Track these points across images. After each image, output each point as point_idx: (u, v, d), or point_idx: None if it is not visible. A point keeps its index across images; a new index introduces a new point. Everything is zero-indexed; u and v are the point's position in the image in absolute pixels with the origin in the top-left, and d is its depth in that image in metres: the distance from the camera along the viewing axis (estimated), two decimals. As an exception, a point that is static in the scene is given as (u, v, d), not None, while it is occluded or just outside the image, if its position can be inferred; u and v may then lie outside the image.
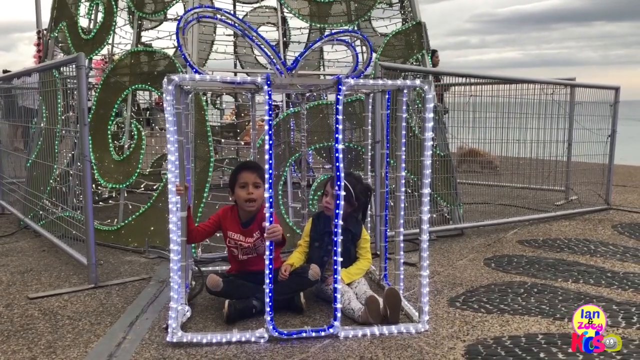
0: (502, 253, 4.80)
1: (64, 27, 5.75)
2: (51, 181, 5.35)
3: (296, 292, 3.40)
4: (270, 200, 2.94)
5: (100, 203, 6.29)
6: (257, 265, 3.42)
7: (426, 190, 3.14)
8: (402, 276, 3.57)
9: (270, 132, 2.90)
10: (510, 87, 6.45)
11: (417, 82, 3.11)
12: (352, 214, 3.78)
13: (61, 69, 4.77)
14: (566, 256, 4.67)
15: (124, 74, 5.09)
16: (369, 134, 4.12)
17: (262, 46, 3.34)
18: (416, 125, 5.24)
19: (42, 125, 5.61)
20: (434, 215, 5.36)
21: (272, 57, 3.31)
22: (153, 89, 5.14)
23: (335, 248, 3.02)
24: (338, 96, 2.95)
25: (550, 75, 7.57)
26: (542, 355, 2.81)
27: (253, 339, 2.97)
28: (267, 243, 2.96)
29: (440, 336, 3.06)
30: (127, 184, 5.03)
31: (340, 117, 2.95)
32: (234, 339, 2.96)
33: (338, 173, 2.97)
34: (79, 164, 5.71)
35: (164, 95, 2.85)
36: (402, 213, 3.53)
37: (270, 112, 2.91)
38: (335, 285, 3.01)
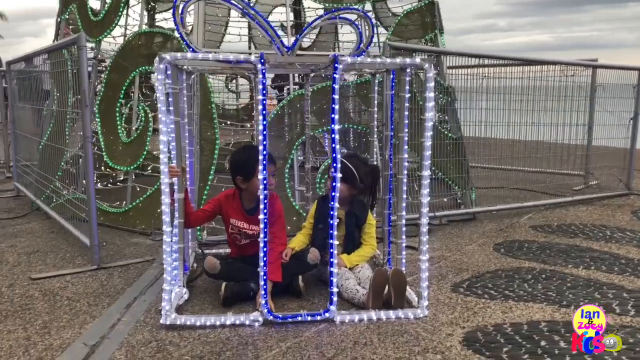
0: (513, 238, 4.68)
1: (74, 9, 5.74)
2: (62, 163, 5.37)
3: (295, 275, 3.35)
4: (265, 182, 2.87)
5: (109, 185, 6.29)
6: (256, 248, 3.36)
7: (426, 173, 3.04)
8: (404, 260, 3.49)
9: (264, 112, 2.83)
10: (530, 68, 6.28)
11: (418, 60, 2.99)
12: (358, 198, 3.71)
13: (72, 49, 4.76)
14: (579, 242, 4.53)
15: (131, 55, 5.06)
16: (375, 115, 4.02)
17: (262, 25, 3.27)
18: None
19: (53, 107, 5.62)
20: (445, 200, 5.25)
21: (272, 36, 3.24)
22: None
23: (331, 231, 2.94)
24: (334, 75, 2.86)
25: (581, 58, 7.30)
26: (542, 343, 2.72)
27: (247, 322, 2.93)
28: (262, 225, 2.91)
29: (439, 322, 2.98)
30: (135, 166, 5.01)
31: (336, 96, 2.86)
32: (228, 322, 2.93)
33: (334, 155, 2.89)
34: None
35: (156, 74, 2.79)
36: (405, 196, 3.43)
37: (264, 92, 2.84)
38: (331, 269, 2.94)
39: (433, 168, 5.24)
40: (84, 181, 5.60)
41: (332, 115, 2.88)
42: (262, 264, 2.92)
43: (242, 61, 2.91)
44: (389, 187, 3.77)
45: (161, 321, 2.92)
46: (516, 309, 3.16)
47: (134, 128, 5.29)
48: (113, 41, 6.02)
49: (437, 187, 5.26)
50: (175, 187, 3.24)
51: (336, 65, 2.86)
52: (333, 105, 2.87)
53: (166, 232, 2.93)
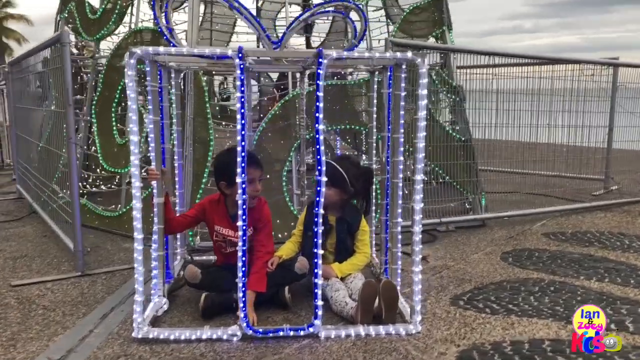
0: (523, 246, 4.40)
1: (72, 7, 5.62)
2: (60, 165, 5.24)
3: (281, 285, 3.13)
4: (243, 187, 2.67)
5: (103, 188, 6.14)
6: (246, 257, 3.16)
7: (419, 177, 2.80)
8: (399, 270, 3.26)
9: (242, 110, 2.63)
10: (547, 68, 5.99)
11: (409, 54, 2.76)
12: (349, 202, 3.48)
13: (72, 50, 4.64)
14: (594, 251, 4.24)
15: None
16: (375, 115, 3.81)
17: (248, 19, 3.08)
18: (433, 105, 4.88)
19: (52, 107, 5.51)
20: (452, 205, 5.00)
21: (257, 29, 3.05)
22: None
23: (315, 239, 2.72)
24: (318, 71, 2.64)
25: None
26: (544, 365, 2.47)
27: (225, 337, 2.73)
28: (240, 233, 2.70)
29: (433, 339, 2.74)
30: (129, 168, 4.85)
31: (320, 94, 2.64)
32: (204, 336, 2.73)
33: (319, 157, 2.67)
34: (85, 147, 5.61)
35: (126, 69, 2.61)
36: (400, 202, 3.20)
37: (243, 89, 2.64)
38: (315, 279, 2.73)
39: (440, 172, 5.00)
40: (80, 184, 5.50)
41: (316, 115, 2.66)
42: (240, 274, 2.71)
43: (220, 56, 2.71)
44: (386, 191, 3.55)
45: (133, 334, 2.74)
46: (518, 325, 2.90)
47: (128, 129, 5.13)
48: (114, 40, 5.89)
49: (444, 192, 5.01)
50: (155, 190, 3.07)
51: (320, 60, 2.65)
52: (317, 104, 2.66)
53: (137, 239, 2.75)
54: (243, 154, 2.65)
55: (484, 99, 5.28)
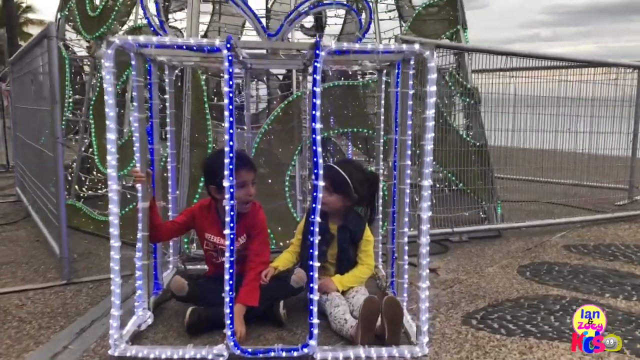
0: (542, 260, 4.09)
1: (72, 5, 5.44)
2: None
3: (276, 300, 2.87)
4: (231, 191, 2.42)
5: (100, 192, 5.92)
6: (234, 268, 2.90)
7: (426, 182, 2.53)
8: (405, 285, 2.98)
9: (230, 107, 2.38)
10: (568, 71, 5.69)
11: (416, 46, 2.50)
12: (353, 210, 3.22)
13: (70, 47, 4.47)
14: (620, 266, 3.92)
15: (125, 52, 4.69)
16: (382, 117, 3.55)
17: (244, 11, 2.85)
18: (446, 108, 4.60)
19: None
20: (466, 214, 4.70)
21: (252, 20, 2.82)
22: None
23: (311, 250, 2.46)
24: (315, 64, 2.39)
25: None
26: (567, 397, 2.17)
27: (210, 357, 2.47)
28: (228, 242, 2.45)
29: (441, 364, 2.46)
30: (125, 171, 4.63)
31: (317, 89, 2.39)
32: (187, 356, 2.47)
33: (316, 159, 2.41)
34: (82, 149, 5.41)
35: (103, 61, 2.38)
36: (408, 210, 2.93)
37: (231, 84, 2.39)
38: (311, 295, 2.46)
39: (453, 178, 4.71)
40: (76, 187, 5.29)
41: (313, 112, 2.41)
42: (227, 287, 2.45)
43: (207, 47, 2.47)
44: (393, 198, 3.27)
45: (109, 352, 2.49)
46: (537, 349, 2.60)
47: (125, 130, 4.92)
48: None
49: (457, 200, 4.71)
50: (140, 194, 2.84)
51: (317, 52, 2.39)
52: (314, 100, 2.40)
53: (113, 247, 2.51)
54: (231, 154, 2.40)
55: (500, 103, 5.01)
